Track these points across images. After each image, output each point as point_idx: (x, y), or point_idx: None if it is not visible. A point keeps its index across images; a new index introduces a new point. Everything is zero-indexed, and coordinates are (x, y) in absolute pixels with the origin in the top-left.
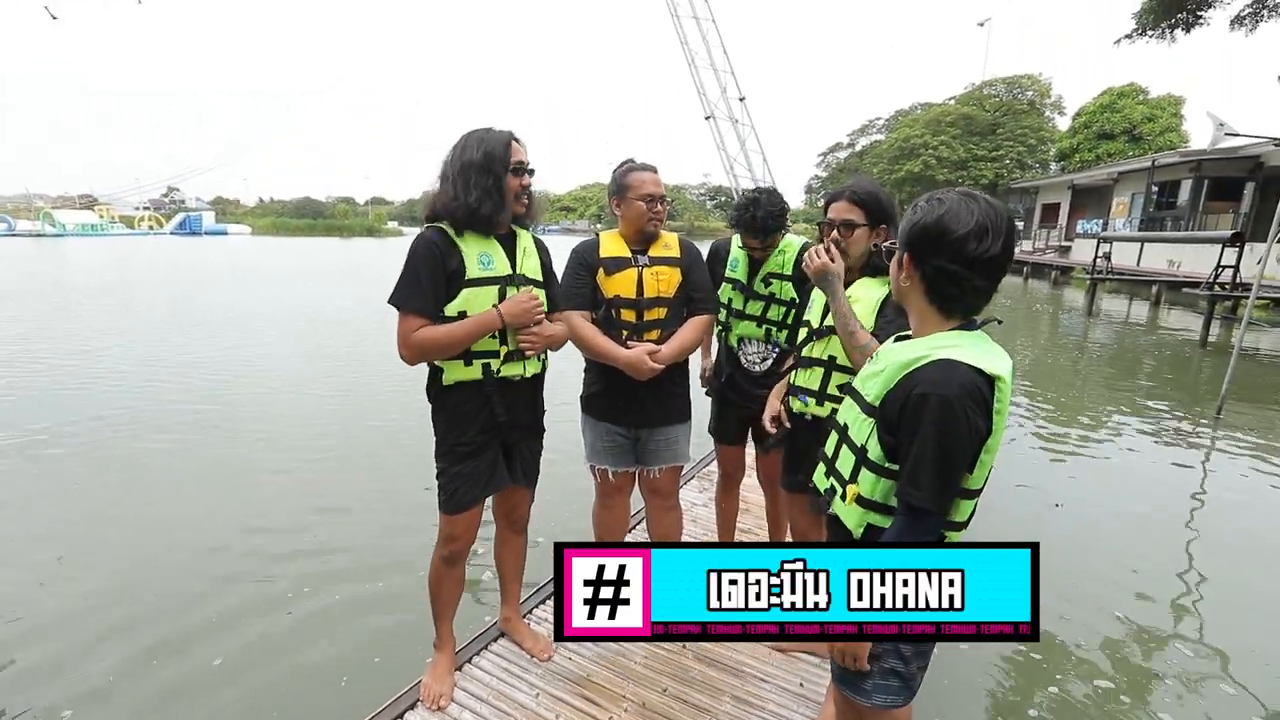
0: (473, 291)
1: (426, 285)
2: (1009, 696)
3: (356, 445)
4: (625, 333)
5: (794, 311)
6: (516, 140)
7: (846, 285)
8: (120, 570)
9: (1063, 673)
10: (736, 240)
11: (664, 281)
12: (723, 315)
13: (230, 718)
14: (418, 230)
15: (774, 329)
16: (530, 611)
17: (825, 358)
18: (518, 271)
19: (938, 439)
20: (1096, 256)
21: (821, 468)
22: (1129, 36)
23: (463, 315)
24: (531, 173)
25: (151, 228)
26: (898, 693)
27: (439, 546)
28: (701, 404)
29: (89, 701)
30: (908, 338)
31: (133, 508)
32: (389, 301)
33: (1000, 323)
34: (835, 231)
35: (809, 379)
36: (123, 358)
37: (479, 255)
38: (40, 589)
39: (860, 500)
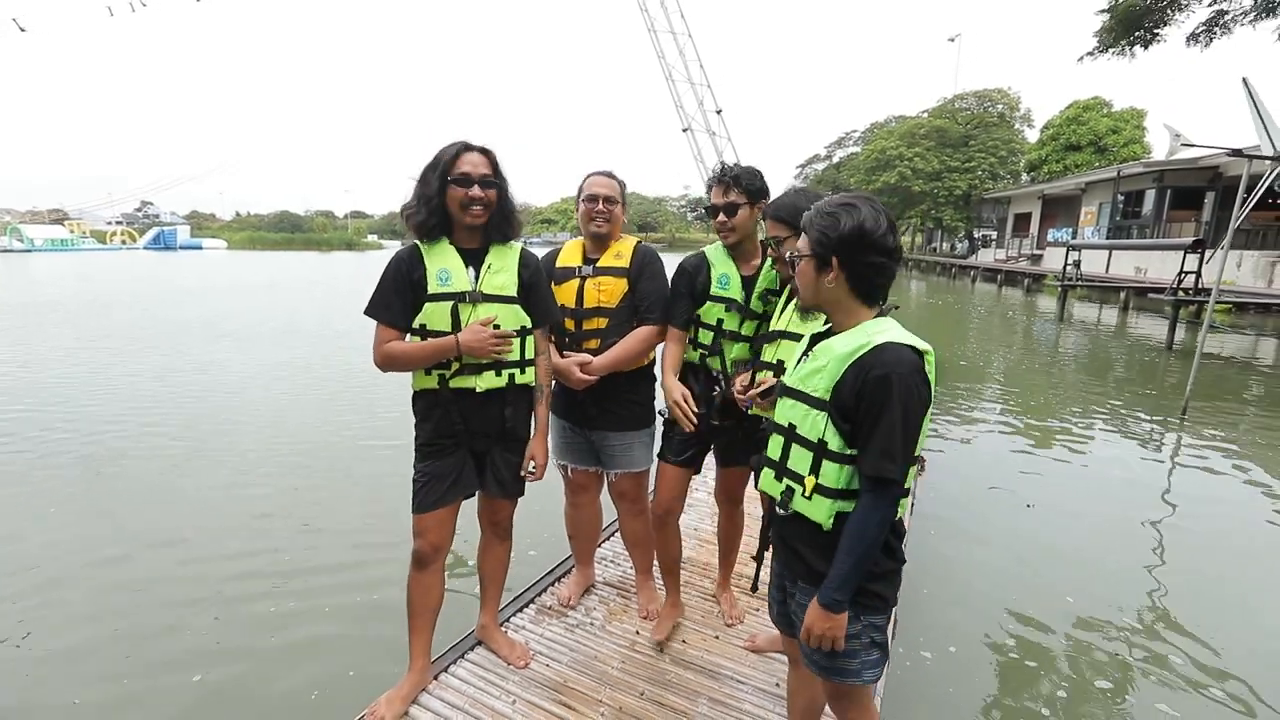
0: (431, 306)
1: (393, 299)
2: (977, 700)
3: (337, 456)
4: (567, 340)
5: None
6: (477, 151)
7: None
8: (94, 587)
9: (1031, 672)
10: (718, 251)
11: (606, 291)
12: (707, 338)
13: None
14: (397, 244)
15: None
16: (508, 619)
17: (774, 360)
18: (478, 288)
19: (904, 413)
20: (1066, 264)
21: (769, 473)
22: (1091, 54)
23: (423, 328)
24: (491, 185)
25: (124, 242)
26: (880, 662)
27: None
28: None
29: (61, 718)
30: (824, 335)
31: (100, 523)
32: (364, 312)
33: (897, 307)
34: (770, 248)
35: (760, 378)
36: (78, 374)
37: (438, 270)
38: (10, 606)
39: (824, 491)
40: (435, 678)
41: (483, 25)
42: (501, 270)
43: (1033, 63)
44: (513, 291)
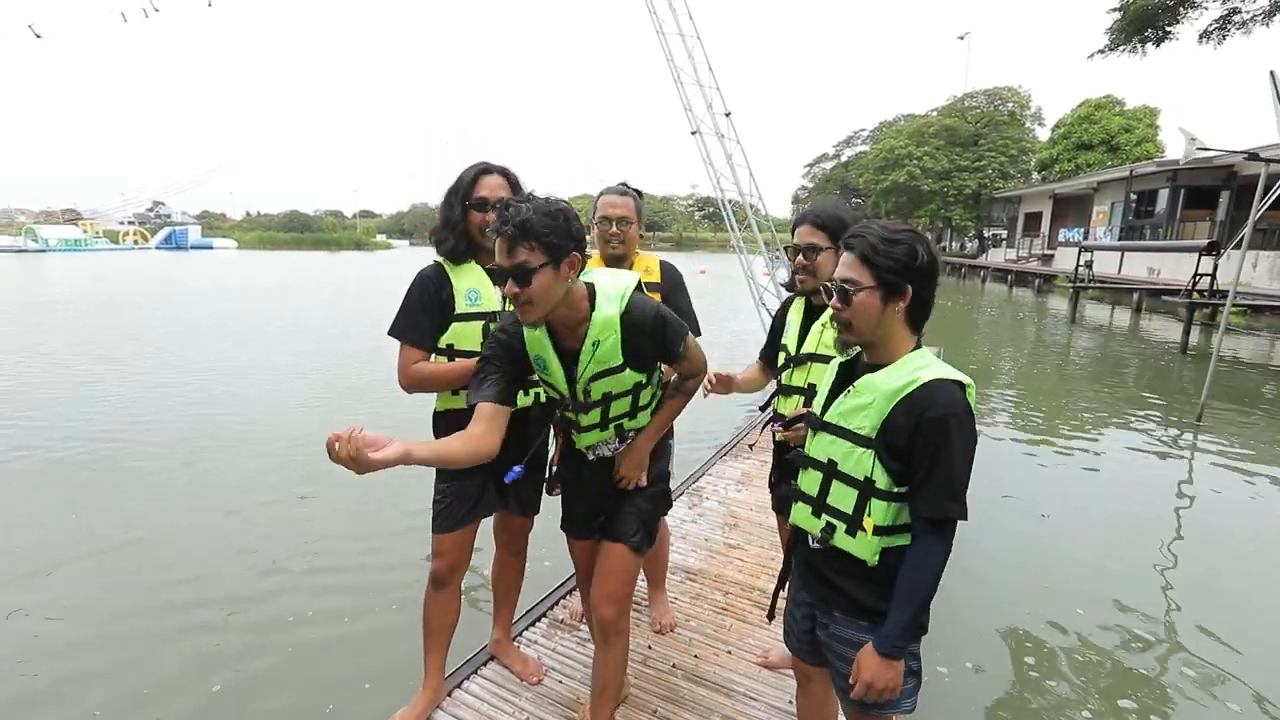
0: (460, 326)
1: (420, 319)
2: (998, 708)
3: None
4: None
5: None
6: (496, 173)
7: (818, 310)
8: (111, 594)
9: (1051, 689)
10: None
11: None
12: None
13: None
14: (405, 243)
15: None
16: (521, 633)
17: (805, 385)
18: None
19: (964, 452)
20: (1078, 265)
21: (805, 508)
22: (1102, 52)
23: (451, 347)
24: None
25: (136, 242)
26: (916, 689)
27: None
28: (684, 423)
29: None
30: (852, 364)
31: (118, 529)
32: (389, 333)
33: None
34: (801, 256)
35: (789, 406)
36: (104, 377)
37: (467, 290)
38: (25, 618)
39: (875, 529)
40: (449, 694)
41: (490, 24)
42: None
43: (1043, 61)
44: None
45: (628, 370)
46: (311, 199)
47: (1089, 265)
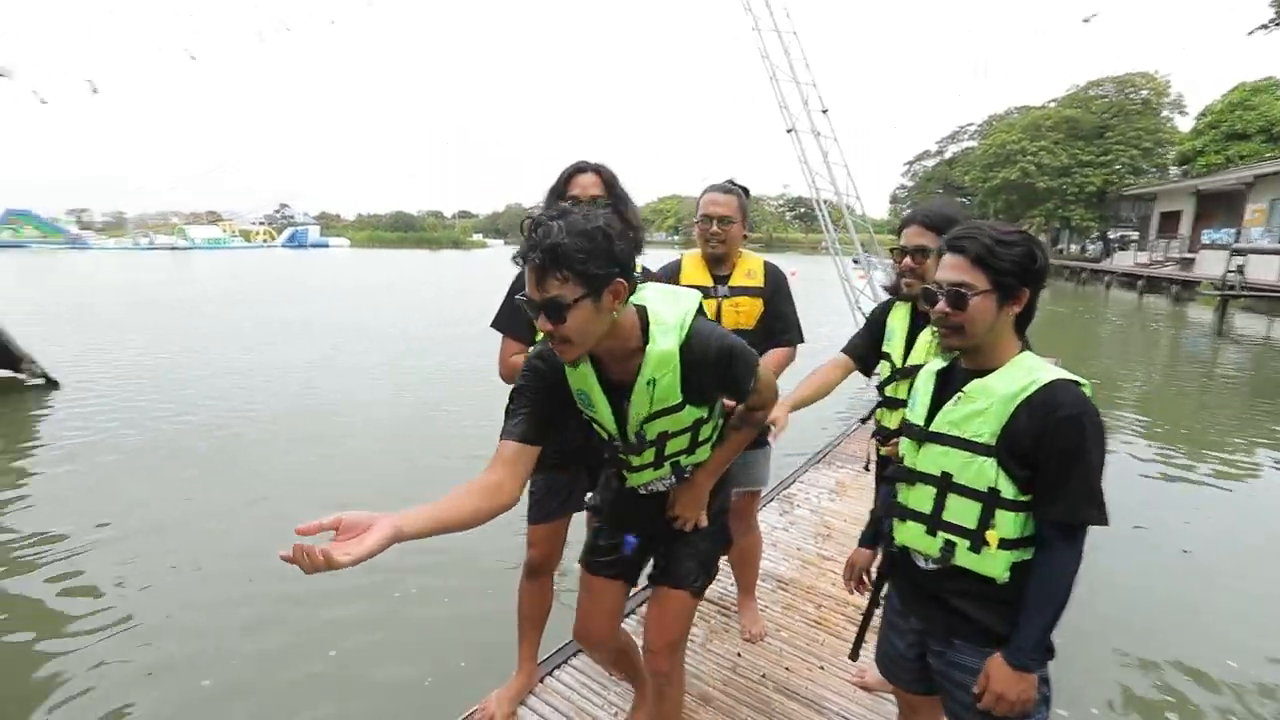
0: None
1: (520, 313)
2: None
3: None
4: None
5: None
6: (590, 171)
7: (925, 317)
8: (224, 559)
9: None
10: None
11: (744, 313)
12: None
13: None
14: (500, 242)
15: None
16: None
17: (907, 397)
18: None
19: (1099, 454)
20: (1228, 270)
21: (917, 527)
22: (1265, 26)
23: None
24: (599, 206)
25: (265, 241)
26: (1045, 718)
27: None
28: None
29: (230, 689)
30: (949, 370)
31: (233, 499)
32: (491, 325)
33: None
34: (909, 259)
35: (894, 420)
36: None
37: None
38: (145, 591)
39: (1002, 542)
40: (541, 680)
41: (586, 28)
42: None
43: (1184, 43)
44: None
45: (687, 408)
46: (414, 199)
47: (1240, 270)
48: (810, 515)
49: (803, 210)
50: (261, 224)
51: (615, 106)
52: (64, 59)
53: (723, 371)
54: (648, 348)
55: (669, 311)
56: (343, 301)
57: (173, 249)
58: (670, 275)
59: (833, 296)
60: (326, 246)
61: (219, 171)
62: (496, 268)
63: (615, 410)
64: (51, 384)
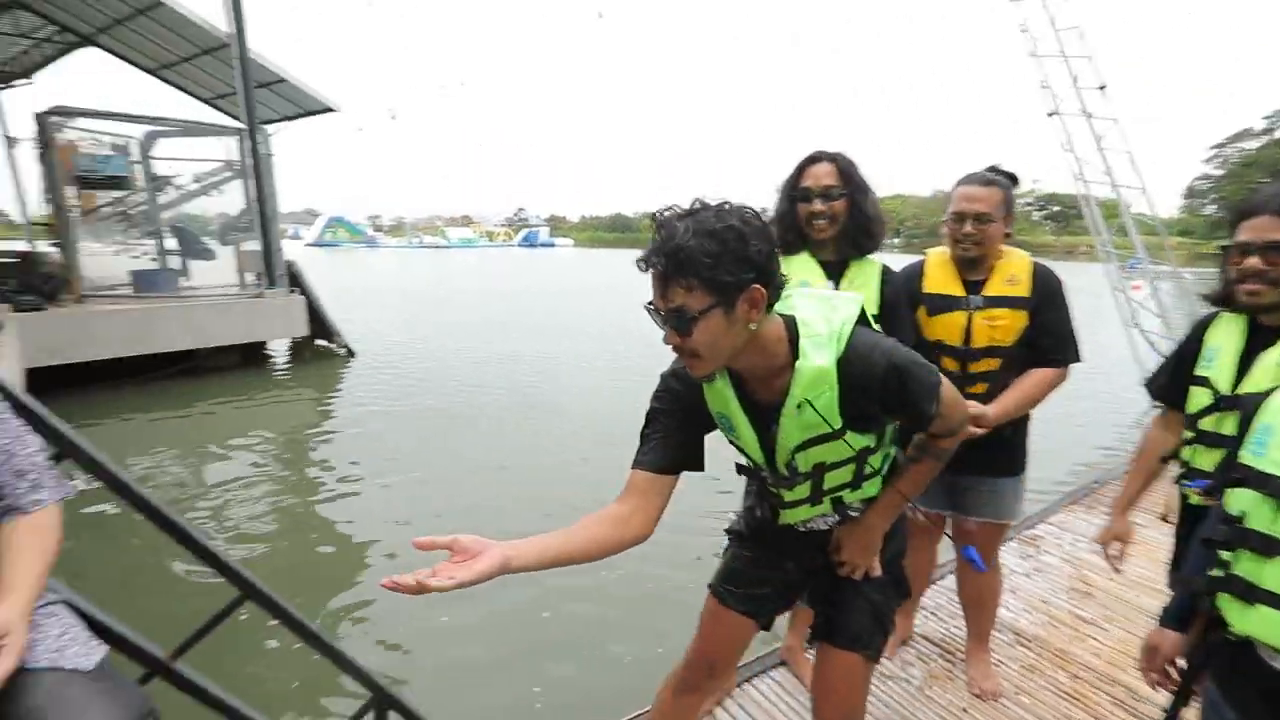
0: None
1: None
2: None
3: None
4: None
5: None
6: (825, 161)
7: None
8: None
9: None
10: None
11: (1001, 328)
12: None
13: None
14: None
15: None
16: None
17: (1235, 434)
18: None
19: None
20: None
21: (1277, 615)
22: None
23: None
24: (836, 196)
25: (505, 240)
26: None
27: None
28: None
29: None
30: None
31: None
32: None
33: None
34: (1257, 259)
35: (1209, 460)
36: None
37: (799, 284)
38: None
39: None
40: (739, 685)
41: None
42: (862, 287)
43: None
44: (872, 309)
45: (848, 434)
46: (631, 201)
47: None
48: (1062, 565)
49: (1055, 209)
50: (503, 226)
51: (853, 96)
52: (372, 92)
53: (893, 392)
54: (797, 364)
55: (822, 321)
56: (589, 300)
57: (435, 247)
58: (909, 279)
59: (1100, 309)
60: (553, 246)
61: (468, 177)
62: None
63: (761, 437)
64: (350, 353)
